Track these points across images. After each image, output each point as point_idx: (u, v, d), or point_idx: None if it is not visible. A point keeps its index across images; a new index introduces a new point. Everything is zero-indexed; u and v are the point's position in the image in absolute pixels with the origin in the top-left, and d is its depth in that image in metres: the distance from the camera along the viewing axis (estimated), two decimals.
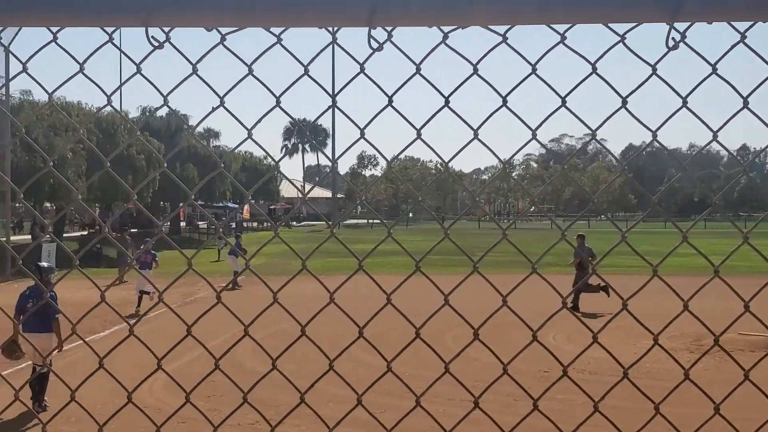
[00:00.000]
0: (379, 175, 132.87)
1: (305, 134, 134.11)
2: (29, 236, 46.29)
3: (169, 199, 64.91)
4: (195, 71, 2.05)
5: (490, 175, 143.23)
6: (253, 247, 39.56)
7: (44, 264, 14.43)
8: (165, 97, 2.06)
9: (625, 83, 2.39)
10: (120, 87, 2.16)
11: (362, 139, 2.24)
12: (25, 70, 2.06)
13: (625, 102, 2.11)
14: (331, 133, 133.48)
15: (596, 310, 21.40)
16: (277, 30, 1.98)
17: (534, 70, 2.10)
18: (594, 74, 2.10)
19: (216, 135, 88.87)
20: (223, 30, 1.95)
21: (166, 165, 2.13)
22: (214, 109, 2.13)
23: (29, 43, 2.50)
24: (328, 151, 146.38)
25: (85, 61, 2.13)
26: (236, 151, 73.59)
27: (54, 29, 1.98)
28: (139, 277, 25.54)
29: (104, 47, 2.00)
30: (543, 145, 2.39)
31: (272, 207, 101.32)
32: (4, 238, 33.11)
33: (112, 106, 2.09)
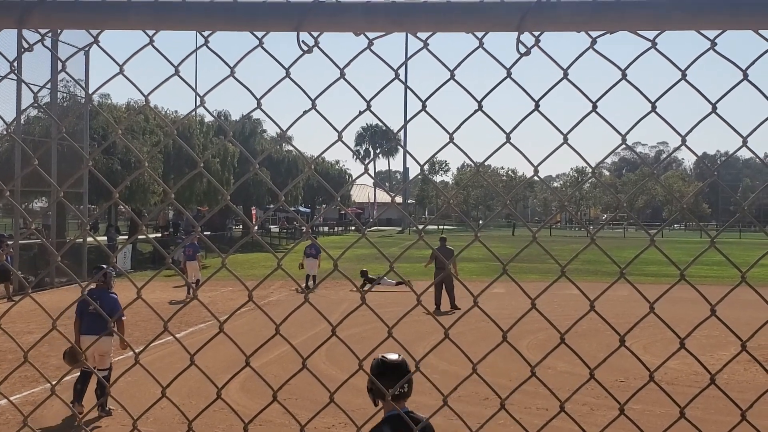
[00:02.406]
0: (449, 181, 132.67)
1: (392, 139, 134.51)
2: (105, 238, 47.30)
3: (241, 202, 65.76)
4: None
5: (561, 182, 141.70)
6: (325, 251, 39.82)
7: (105, 266, 14.57)
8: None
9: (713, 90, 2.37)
10: (269, 90, 2.19)
11: (428, 143, 2.25)
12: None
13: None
14: (402, 138, 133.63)
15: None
16: (424, 35, 2.01)
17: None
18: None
19: (288, 139, 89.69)
20: (370, 35, 1.99)
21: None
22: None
23: (103, 47, 2.56)
24: (398, 156, 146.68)
25: (238, 65, 2.18)
26: (306, 155, 74.09)
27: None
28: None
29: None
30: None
31: (342, 212, 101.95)
32: (81, 240, 33.86)
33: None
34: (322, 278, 29.38)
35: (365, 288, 28.17)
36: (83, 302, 12.75)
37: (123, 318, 12.87)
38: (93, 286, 13.88)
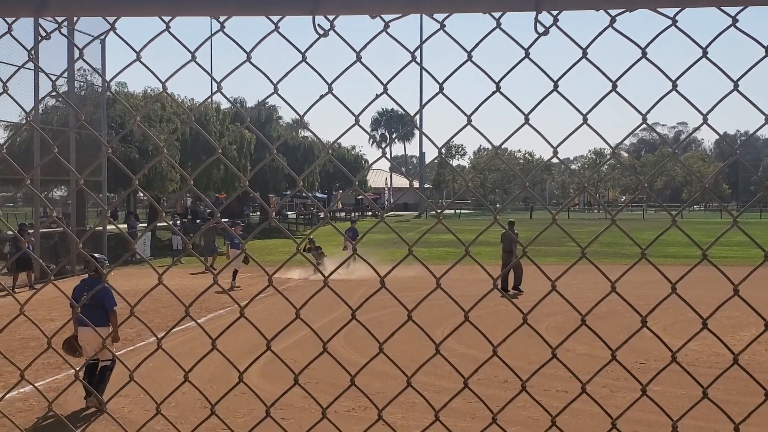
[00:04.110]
0: (466, 164, 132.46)
1: (410, 123, 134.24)
2: (125, 225, 47.58)
3: (258, 188, 65.87)
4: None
5: (579, 165, 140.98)
6: (332, 237, 39.84)
7: (97, 255, 14.31)
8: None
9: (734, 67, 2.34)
10: (286, 75, 2.20)
11: (444, 127, 2.24)
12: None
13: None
14: (418, 122, 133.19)
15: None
16: (440, 16, 2.00)
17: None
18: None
19: (305, 124, 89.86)
20: (386, 17, 1.99)
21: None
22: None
23: (113, 34, 2.57)
24: (414, 141, 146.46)
25: (254, 51, 2.18)
26: (323, 141, 73.84)
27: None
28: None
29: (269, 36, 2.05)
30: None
31: (359, 197, 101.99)
32: (101, 227, 34.06)
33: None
34: (339, 264, 29.36)
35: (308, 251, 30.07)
36: (77, 293, 12.63)
37: (115, 308, 12.54)
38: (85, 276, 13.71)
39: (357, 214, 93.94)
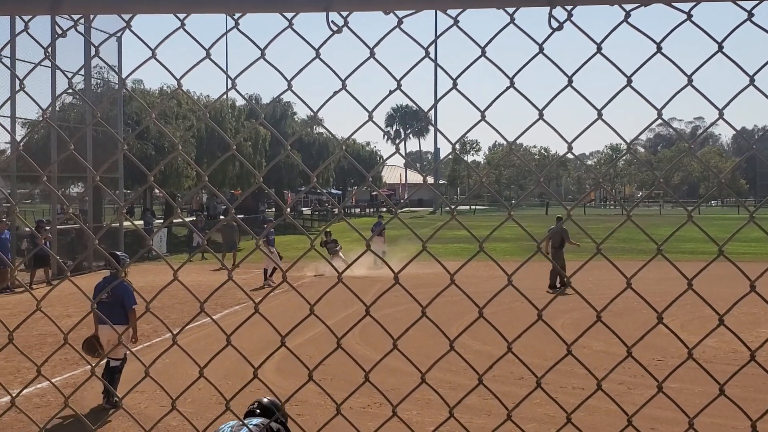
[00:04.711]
0: (481, 160, 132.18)
1: (422, 119, 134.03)
2: (141, 222, 47.76)
3: (273, 185, 65.96)
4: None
5: (595, 160, 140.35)
6: (347, 234, 39.88)
7: (119, 253, 14.24)
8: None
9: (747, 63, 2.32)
10: (300, 71, 2.20)
11: (459, 123, 2.24)
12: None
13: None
14: (433, 118, 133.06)
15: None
16: (454, 12, 2.00)
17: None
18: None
19: (319, 121, 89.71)
20: (400, 13, 1.98)
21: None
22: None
23: (128, 32, 2.57)
24: (429, 137, 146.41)
25: (269, 48, 2.18)
26: (337, 137, 74.04)
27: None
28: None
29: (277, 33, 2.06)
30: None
31: (374, 193, 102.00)
32: (118, 224, 34.20)
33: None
34: (353, 260, 29.32)
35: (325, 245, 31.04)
36: (98, 291, 12.53)
37: (134, 307, 12.28)
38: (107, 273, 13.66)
39: (374, 210, 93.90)
